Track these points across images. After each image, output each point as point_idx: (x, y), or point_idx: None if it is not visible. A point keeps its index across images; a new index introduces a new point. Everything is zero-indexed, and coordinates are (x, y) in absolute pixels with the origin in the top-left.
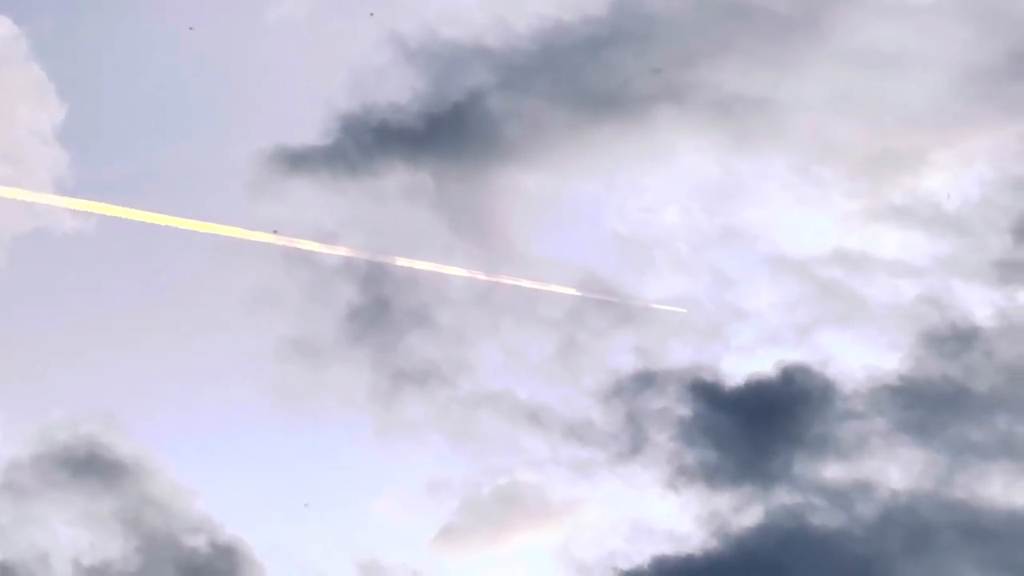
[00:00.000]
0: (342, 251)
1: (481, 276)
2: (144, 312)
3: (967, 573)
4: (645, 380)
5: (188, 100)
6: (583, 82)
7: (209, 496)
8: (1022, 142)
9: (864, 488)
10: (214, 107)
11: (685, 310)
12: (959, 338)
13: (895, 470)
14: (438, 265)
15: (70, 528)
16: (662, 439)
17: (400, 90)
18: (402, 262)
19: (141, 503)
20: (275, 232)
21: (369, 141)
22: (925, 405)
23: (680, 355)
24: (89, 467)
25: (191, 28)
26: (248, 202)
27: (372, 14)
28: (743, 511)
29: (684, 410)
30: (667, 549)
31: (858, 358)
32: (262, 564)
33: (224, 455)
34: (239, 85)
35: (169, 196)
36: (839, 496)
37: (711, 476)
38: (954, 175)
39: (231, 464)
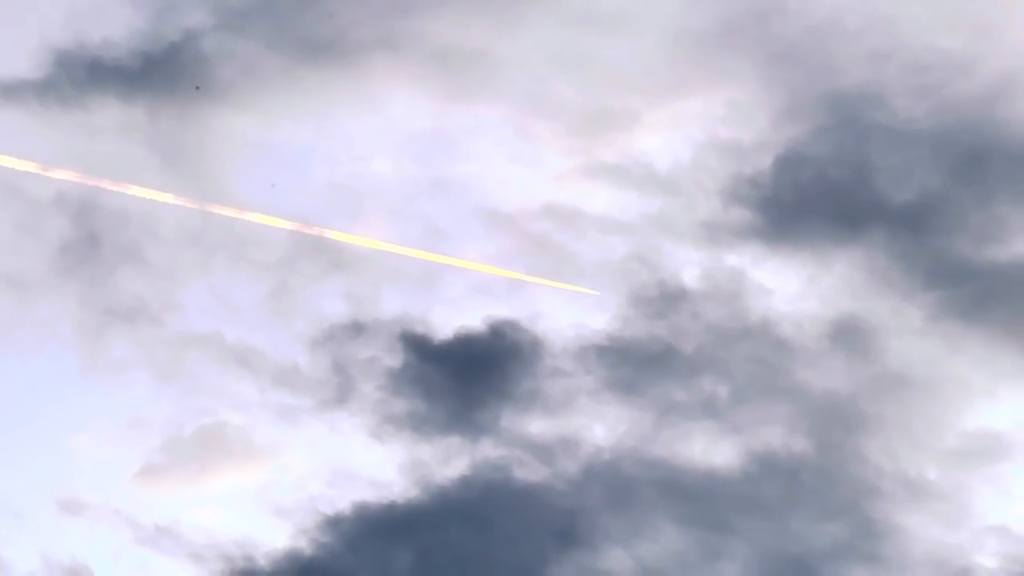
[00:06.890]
0: (60, 175)
1: (192, 206)
2: None
3: (665, 528)
4: (355, 328)
5: None
6: (299, 27)
7: None
8: (731, 108)
9: (569, 444)
10: None
11: (598, 293)
12: (666, 298)
13: (600, 427)
14: (149, 191)
15: None
16: (369, 388)
17: (116, 27)
18: (112, 187)
19: None
20: None
21: (82, 76)
22: (632, 364)
23: (391, 305)
24: None
25: None
26: None
27: None
28: (448, 462)
29: (392, 360)
30: (368, 496)
31: (567, 315)
32: None
33: None
34: None
35: None
36: (544, 450)
37: (417, 427)
38: (666, 137)
39: None
